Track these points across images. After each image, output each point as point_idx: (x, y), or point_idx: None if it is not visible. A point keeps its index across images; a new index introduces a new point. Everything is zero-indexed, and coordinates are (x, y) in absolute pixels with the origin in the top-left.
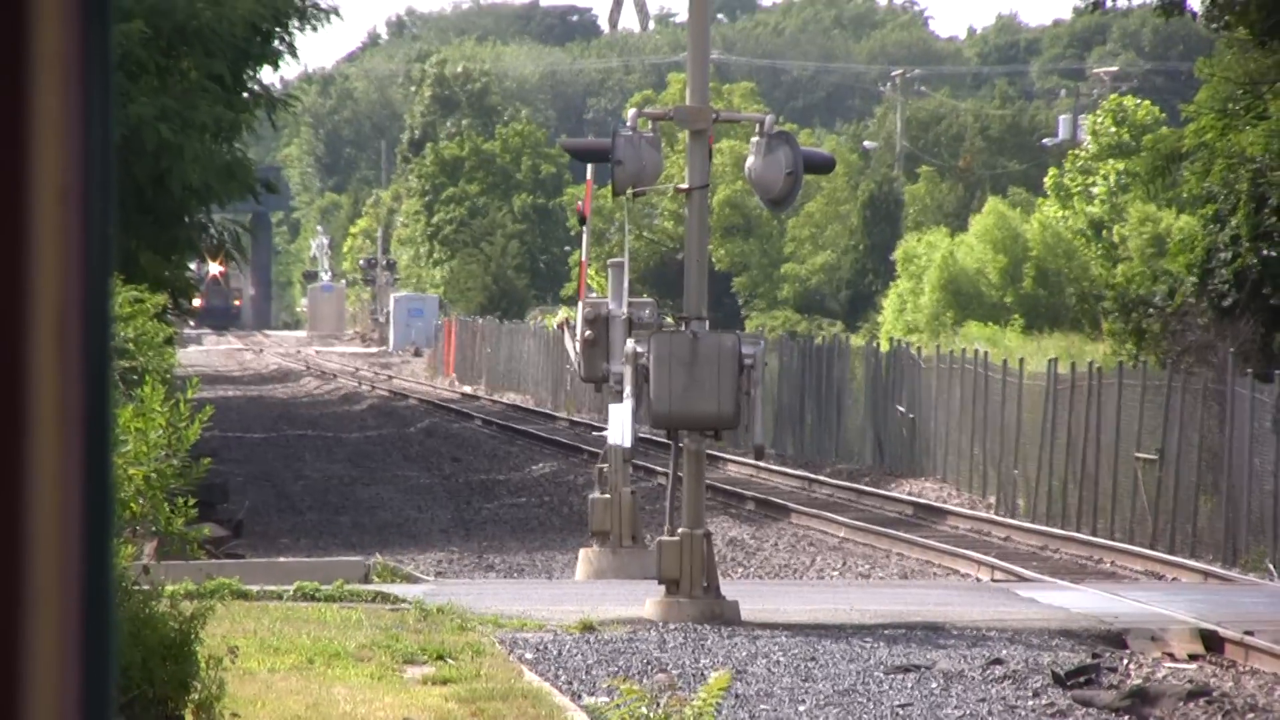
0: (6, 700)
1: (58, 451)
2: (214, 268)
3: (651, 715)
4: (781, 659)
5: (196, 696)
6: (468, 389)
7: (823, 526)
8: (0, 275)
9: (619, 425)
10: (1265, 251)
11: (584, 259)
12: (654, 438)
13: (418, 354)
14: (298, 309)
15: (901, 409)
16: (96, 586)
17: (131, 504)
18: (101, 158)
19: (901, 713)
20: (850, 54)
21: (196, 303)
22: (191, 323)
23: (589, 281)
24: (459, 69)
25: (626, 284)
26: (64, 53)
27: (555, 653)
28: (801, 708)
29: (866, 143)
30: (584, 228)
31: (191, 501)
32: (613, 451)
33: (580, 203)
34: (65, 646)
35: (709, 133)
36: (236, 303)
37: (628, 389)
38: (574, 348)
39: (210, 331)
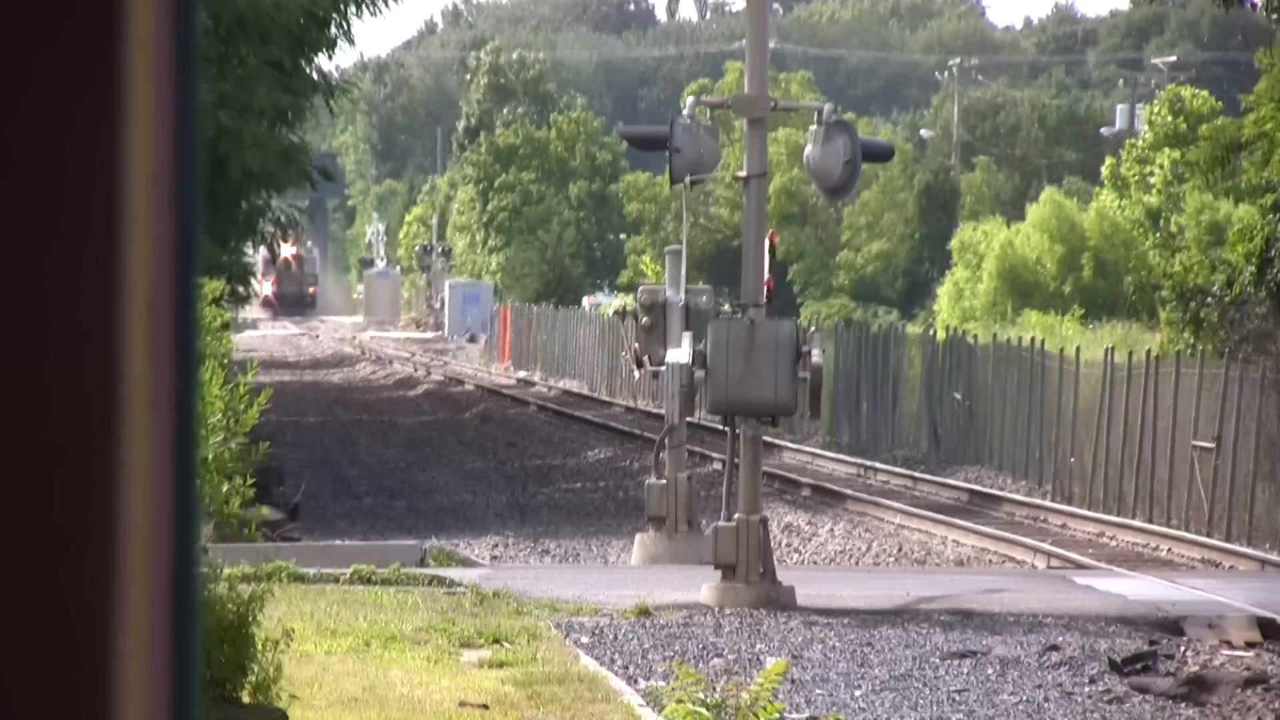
0: (100, 677)
1: (148, 434)
2: (286, 250)
3: (708, 700)
4: (837, 644)
5: (254, 679)
6: (523, 375)
7: (878, 513)
8: (96, 260)
9: (678, 351)
10: None
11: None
12: (710, 424)
13: (472, 340)
14: (353, 295)
15: (958, 396)
16: (183, 566)
17: None
18: (189, 143)
19: (957, 698)
20: (906, 44)
21: (269, 289)
22: (254, 305)
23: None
24: (514, 57)
25: (684, 271)
26: (155, 37)
27: (611, 637)
28: (858, 693)
29: (923, 132)
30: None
31: (249, 484)
32: (670, 435)
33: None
34: (154, 624)
35: (767, 121)
36: (311, 290)
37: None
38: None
39: (268, 317)
